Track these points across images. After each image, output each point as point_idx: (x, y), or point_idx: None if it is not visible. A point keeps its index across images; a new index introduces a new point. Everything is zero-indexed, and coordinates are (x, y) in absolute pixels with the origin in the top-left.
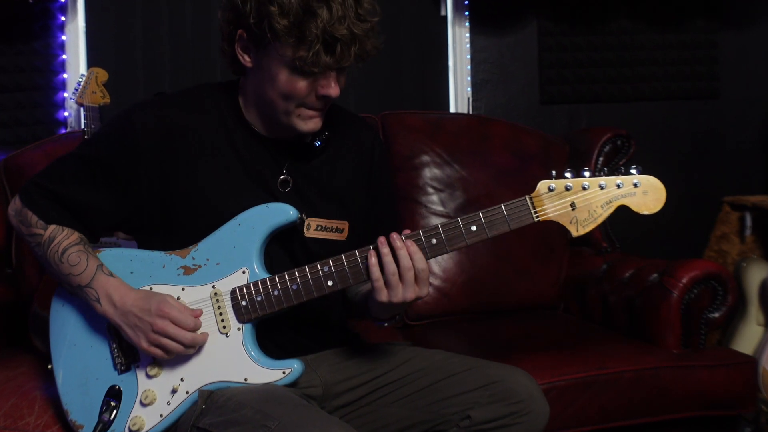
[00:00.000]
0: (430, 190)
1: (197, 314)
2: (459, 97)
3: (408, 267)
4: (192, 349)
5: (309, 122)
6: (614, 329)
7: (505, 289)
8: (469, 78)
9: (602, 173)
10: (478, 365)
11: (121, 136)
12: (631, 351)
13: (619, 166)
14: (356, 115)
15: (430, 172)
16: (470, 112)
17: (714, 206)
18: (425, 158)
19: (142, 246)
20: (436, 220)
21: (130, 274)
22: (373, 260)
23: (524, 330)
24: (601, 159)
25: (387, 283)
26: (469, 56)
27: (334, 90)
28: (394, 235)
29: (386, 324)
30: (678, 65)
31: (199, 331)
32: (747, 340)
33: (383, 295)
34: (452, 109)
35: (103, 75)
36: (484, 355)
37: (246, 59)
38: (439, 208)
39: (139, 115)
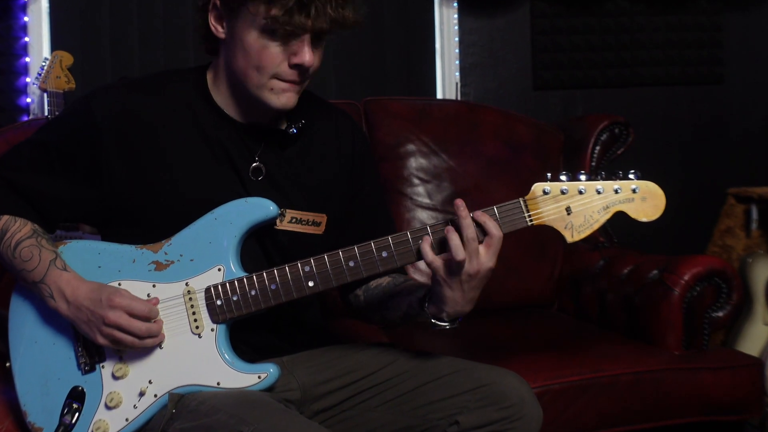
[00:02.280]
0: (416, 181)
1: (153, 302)
2: (447, 82)
3: (473, 237)
4: (150, 341)
5: (282, 96)
6: (612, 329)
7: (496, 287)
8: (457, 62)
9: (600, 177)
10: (467, 367)
11: (79, 124)
12: (629, 352)
13: (618, 155)
14: (334, 104)
15: (415, 162)
16: (459, 99)
17: (718, 198)
18: (411, 147)
19: (104, 239)
20: (422, 214)
21: (98, 269)
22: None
23: (516, 330)
24: (597, 148)
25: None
26: (457, 39)
27: (307, 58)
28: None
29: (448, 326)
30: (680, 49)
31: (168, 332)
32: (753, 340)
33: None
34: (439, 95)
35: (68, 59)
36: (473, 357)
37: (219, 30)
38: (426, 201)
39: (99, 101)
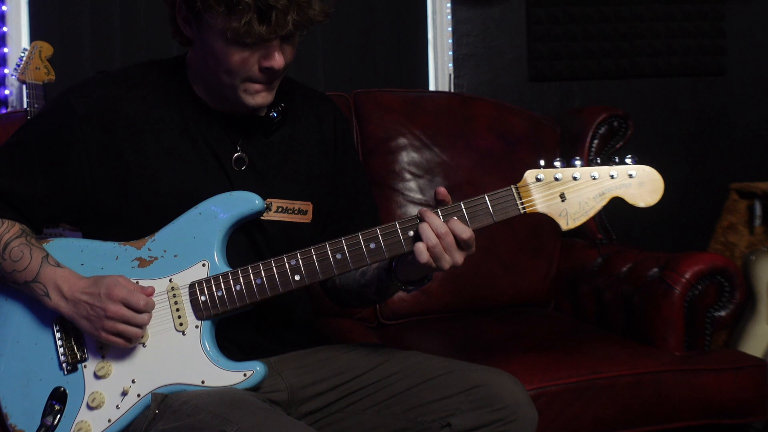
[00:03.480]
0: (408, 176)
1: (149, 292)
2: (439, 73)
3: (433, 244)
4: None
5: (257, 96)
6: (610, 329)
7: (490, 285)
8: (450, 53)
9: (594, 163)
10: (460, 368)
11: (58, 122)
12: (628, 353)
13: (616, 149)
14: (313, 88)
15: (407, 156)
16: (452, 91)
17: (720, 194)
18: (402, 141)
19: (86, 236)
20: (413, 209)
21: (80, 266)
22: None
23: (510, 330)
24: (595, 142)
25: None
26: (450, 28)
27: (277, 62)
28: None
29: (412, 289)
30: (681, 38)
31: (152, 330)
32: (756, 341)
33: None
34: (432, 87)
35: (47, 49)
36: (467, 358)
37: (188, 30)
38: (417, 196)
39: (78, 97)
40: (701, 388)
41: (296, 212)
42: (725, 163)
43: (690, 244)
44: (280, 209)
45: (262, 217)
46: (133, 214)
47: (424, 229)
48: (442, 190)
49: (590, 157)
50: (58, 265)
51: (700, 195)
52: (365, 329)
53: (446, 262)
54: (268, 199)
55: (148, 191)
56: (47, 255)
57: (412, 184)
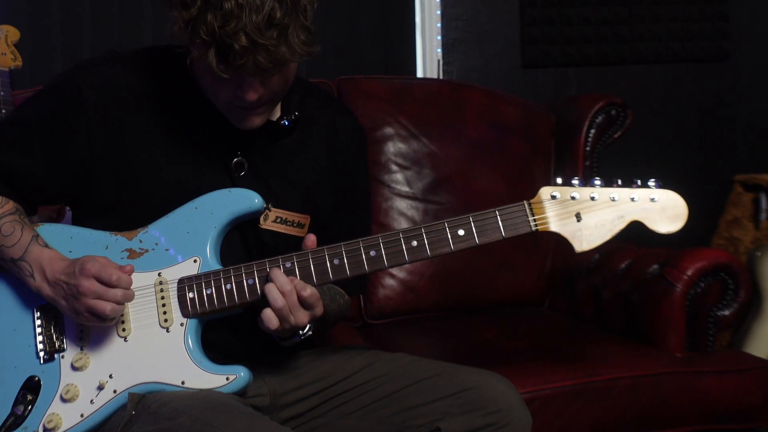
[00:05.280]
0: (394, 167)
1: (127, 270)
2: (428, 59)
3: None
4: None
5: (245, 121)
6: (608, 329)
7: (482, 282)
8: (439, 37)
9: (615, 184)
10: (450, 370)
11: (62, 102)
12: (627, 354)
13: (614, 139)
14: (335, 98)
15: (394, 147)
16: (440, 78)
17: (724, 186)
18: (388, 131)
19: (77, 222)
20: (400, 203)
21: (69, 253)
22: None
23: (503, 330)
24: (592, 131)
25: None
26: (439, 12)
27: (250, 95)
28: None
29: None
30: (682, 22)
31: (135, 324)
32: (762, 341)
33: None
34: (420, 74)
35: (14, 34)
36: (457, 359)
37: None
38: (405, 189)
39: (86, 76)
40: (703, 392)
41: (294, 225)
42: (729, 153)
43: (692, 239)
44: (279, 219)
45: (259, 226)
46: (128, 203)
47: (270, 290)
48: (311, 239)
49: (587, 148)
50: (46, 246)
51: (703, 187)
52: (350, 330)
53: (288, 324)
54: (268, 205)
55: (146, 181)
56: (37, 235)
57: (399, 176)
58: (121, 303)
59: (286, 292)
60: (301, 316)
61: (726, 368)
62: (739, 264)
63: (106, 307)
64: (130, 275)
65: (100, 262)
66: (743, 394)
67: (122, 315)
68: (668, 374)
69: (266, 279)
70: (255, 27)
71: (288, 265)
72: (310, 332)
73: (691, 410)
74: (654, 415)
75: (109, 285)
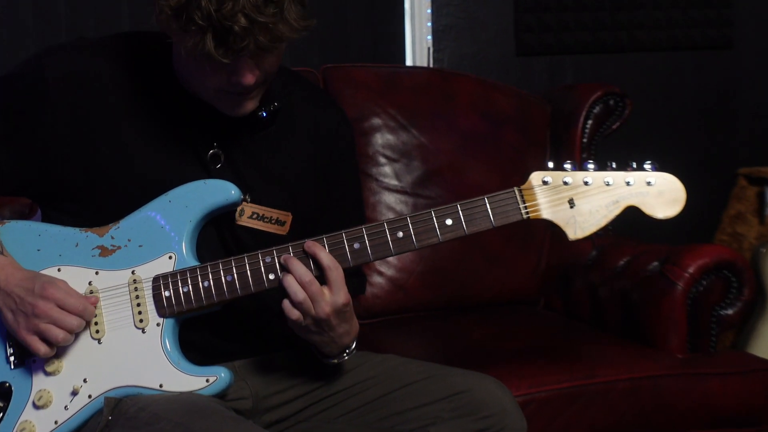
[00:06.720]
0: (383, 160)
1: (92, 301)
2: (417, 47)
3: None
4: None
5: (240, 108)
6: (605, 329)
7: (474, 280)
8: (429, 24)
9: (610, 167)
10: (441, 373)
11: (26, 85)
12: (626, 355)
13: (612, 130)
14: (320, 88)
15: (382, 138)
16: (431, 66)
17: (727, 180)
18: (376, 121)
19: (46, 219)
20: (389, 197)
21: (37, 252)
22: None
23: (496, 330)
24: (589, 122)
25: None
26: None
27: (246, 79)
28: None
29: (336, 361)
30: (684, 8)
31: (109, 325)
32: (767, 341)
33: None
34: (409, 62)
35: None
36: (448, 361)
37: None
38: (393, 182)
39: (52, 61)
40: (706, 394)
41: (273, 222)
42: (733, 145)
43: (694, 235)
44: (255, 216)
45: (236, 222)
46: (98, 197)
47: (289, 283)
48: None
49: (584, 140)
50: (2, 252)
51: (705, 181)
52: None
53: (310, 318)
54: (243, 204)
55: (117, 174)
56: None
57: (387, 169)
58: (74, 332)
59: (305, 283)
60: (323, 306)
61: (729, 370)
62: (743, 261)
63: (59, 334)
64: (94, 306)
65: (61, 288)
66: (747, 397)
67: (96, 316)
68: (669, 376)
69: (245, 276)
70: (253, 5)
71: (268, 260)
72: (356, 349)
73: (692, 414)
74: (654, 419)
75: (73, 313)
